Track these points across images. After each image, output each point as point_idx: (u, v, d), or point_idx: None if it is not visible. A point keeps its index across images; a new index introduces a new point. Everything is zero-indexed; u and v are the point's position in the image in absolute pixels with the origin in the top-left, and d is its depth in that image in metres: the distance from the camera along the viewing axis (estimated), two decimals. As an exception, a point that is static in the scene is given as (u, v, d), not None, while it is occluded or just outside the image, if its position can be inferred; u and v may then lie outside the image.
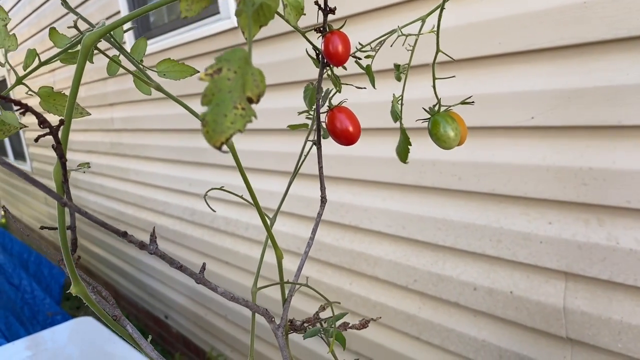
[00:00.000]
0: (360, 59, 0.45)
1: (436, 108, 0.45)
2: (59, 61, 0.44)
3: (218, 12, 1.84)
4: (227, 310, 2.35)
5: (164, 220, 2.63)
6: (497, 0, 1.06)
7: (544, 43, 1.00)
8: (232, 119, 0.21)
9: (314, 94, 0.46)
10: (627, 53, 0.91)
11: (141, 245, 0.35)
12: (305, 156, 0.49)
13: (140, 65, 0.44)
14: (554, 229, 1.08)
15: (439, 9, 0.38)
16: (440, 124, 0.43)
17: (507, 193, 1.14)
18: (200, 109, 0.49)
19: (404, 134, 0.44)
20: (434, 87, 0.43)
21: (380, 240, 1.47)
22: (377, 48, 0.41)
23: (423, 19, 0.40)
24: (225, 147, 0.22)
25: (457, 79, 1.15)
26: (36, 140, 0.33)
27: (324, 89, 0.46)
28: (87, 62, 0.34)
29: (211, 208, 0.53)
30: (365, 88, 0.44)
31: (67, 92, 0.41)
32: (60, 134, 0.34)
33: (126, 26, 0.41)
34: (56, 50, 0.42)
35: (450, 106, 0.45)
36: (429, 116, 0.45)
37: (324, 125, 0.47)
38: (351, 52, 0.43)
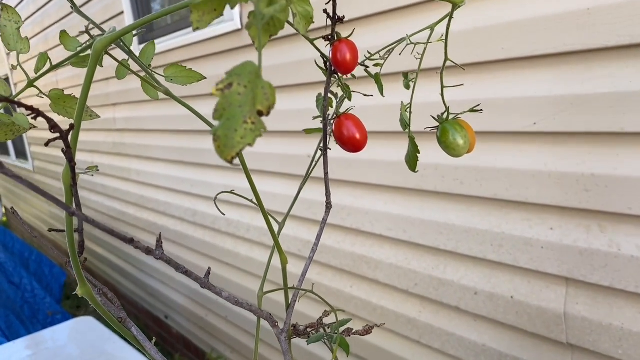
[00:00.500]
0: (367, 67, 0.45)
1: (444, 116, 0.45)
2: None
3: (222, 14, 1.84)
4: (227, 311, 2.35)
5: (165, 220, 2.63)
6: (502, 6, 1.07)
7: (548, 49, 1.00)
8: (242, 133, 0.21)
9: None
10: (631, 60, 0.91)
11: (147, 251, 0.35)
12: (317, 162, 0.49)
13: (149, 70, 0.44)
14: (555, 234, 1.08)
15: (448, 18, 0.38)
16: (449, 132, 0.43)
17: (509, 198, 1.14)
18: (205, 111, 0.50)
19: (413, 143, 0.45)
20: (442, 95, 0.43)
21: (382, 244, 1.48)
22: (386, 57, 0.41)
23: (432, 27, 0.40)
24: (236, 160, 0.22)
25: (462, 84, 1.15)
26: (46, 144, 0.34)
27: (338, 95, 0.46)
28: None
29: (221, 212, 0.53)
30: (372, 96, 0.45)
31: (69, 92, 0.41)
32: (70, 138, 0.35)
33: (134, 31, 0.41)
34: (60, 49, 0.43)
35: (458, 114, 0.45)
36: (437, 124, 0.45)
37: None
38: (359, 61, 0.43)
